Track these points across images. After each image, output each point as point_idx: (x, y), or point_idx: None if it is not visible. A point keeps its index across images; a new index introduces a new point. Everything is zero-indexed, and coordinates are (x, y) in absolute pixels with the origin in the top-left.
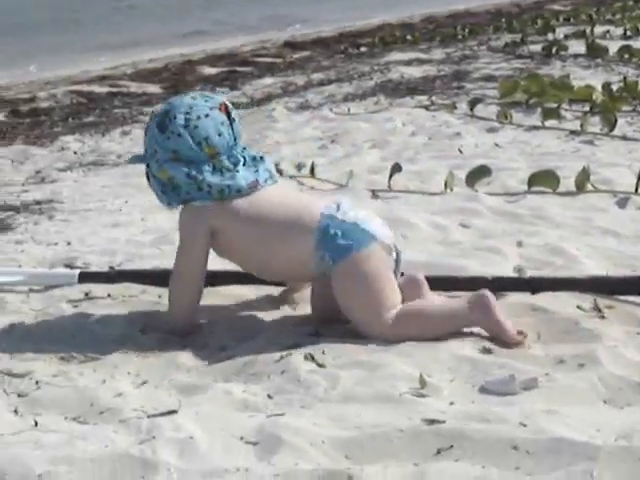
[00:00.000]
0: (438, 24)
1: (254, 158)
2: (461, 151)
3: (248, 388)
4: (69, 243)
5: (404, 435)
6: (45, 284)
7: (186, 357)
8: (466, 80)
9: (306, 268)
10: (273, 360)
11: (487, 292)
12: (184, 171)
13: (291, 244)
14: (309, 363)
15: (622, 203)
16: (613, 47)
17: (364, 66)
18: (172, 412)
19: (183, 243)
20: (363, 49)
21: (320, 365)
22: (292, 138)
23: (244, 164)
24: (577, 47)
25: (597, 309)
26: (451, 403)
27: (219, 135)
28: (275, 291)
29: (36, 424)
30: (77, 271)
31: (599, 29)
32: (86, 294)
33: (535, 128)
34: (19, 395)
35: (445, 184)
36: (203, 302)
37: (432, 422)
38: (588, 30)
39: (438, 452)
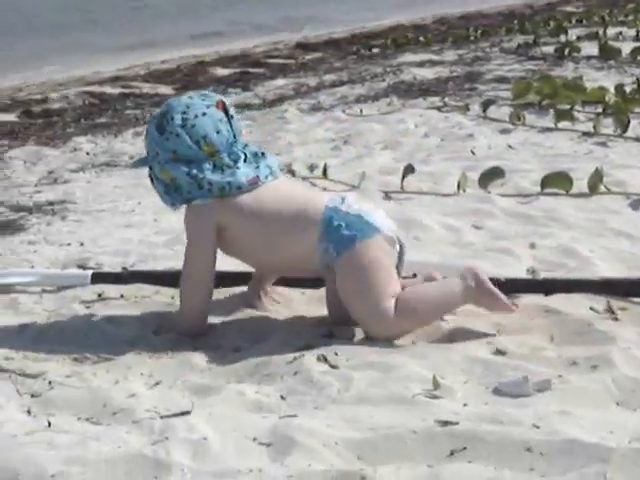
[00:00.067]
0: (450, 25)
1: (255, 154)
2: (474, 152)
3: (261, 389)
4: (82, 244)
5: (417, 436)
6: (58, 285)
7: (199, 358)
8: (479, 81)
9: (311, 261)
10: (286, 361)
11: (477, 266)
12: (184, 171)
13: (296, 237)
14: (322, 364)
15: (635, 205)
16: (626, 48)
17: (376, 67)
18: (185, 413)
19: (191, 243)
20: (375, 50)
21: (333, 366)
22: (304, 139)
23: (245, 160)
24: (590, 49)
25: (610, 311)
26: (464, 404)
27: (217, 133)
28: (289, 292)
29: (49, 424)
30: (90, 272)
31: (612, 31)
32: (99, 295)
33: (548, 130)
34: (32, 395)
35: (458, 185)
36: (216, 303)
37: (445, 423)
38: (601, 32)
39: (451, 453)
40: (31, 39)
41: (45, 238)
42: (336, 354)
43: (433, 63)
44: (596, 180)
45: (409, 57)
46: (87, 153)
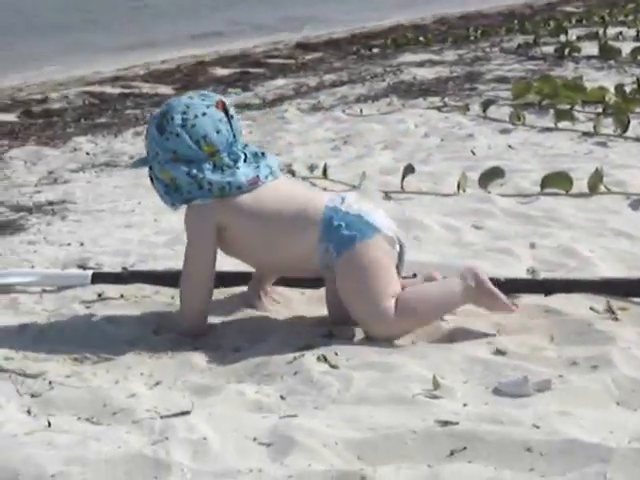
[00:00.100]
0: (450, 25)
1: (255, 154)
2: (474, 152)
3: (261, 389)
4: (82, 244)
5: (417, 436)
6: (58, 285)
7: (199, 358)
8: (479, 81)
9: (311, 261)
10: (286, 361)
11: (478, 266)
12: (184, 170)
13: (295, 237)
14: (322, 364)
15: (635, 205)
16: (626, 48)
17: (376, 67)
18: (185, 413)
19: (191, 243)
20: (375, 50)
21: (333, 366)
22: (304, 139)
23: (245, 160)
24: (590, 49)
25: (610, 311)
26: (464, 405)
27: (217, 132)
28: (289, 292)
29: (49, 424)
30: (90, 272)
31: (612, 31)
32: (99, 295)
33: (548, 130)
34: (32, 395)
35: (458, 185)
36: (216, 303)
37: (445, 423)
38: (601, 32)
39: (451, 453)
40: (31, 39)
41: (45, 238)
42: (336, 354)
43: (433, 63)
44: (596, 180)
45: (409, 57)
46: (87, 153)
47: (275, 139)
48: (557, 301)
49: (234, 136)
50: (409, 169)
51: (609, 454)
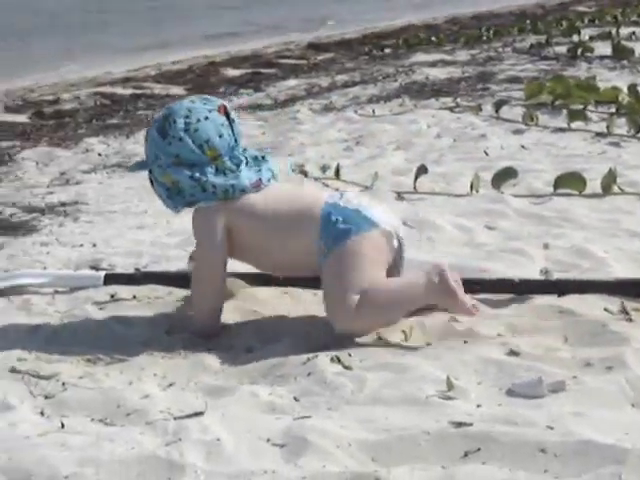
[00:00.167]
0: (462, 25)
1: (256, 158)
2: (487, 153)
3: (274, 390)
4: (94, 245)
5: (431, 438)
6: (70, 286)
7: (212, 359)
8: (491, 82)
9: (312, 259)
10: (299, 362)
11: (444, 262)
12: (187, 174)
13: (297, 235)
14: (335, 365)
15: None
16: (639, 48)
17: (388, 68)
18: (199, 414)
19: (201, 245)
20: (387, 51)
21: (347, 367)
22: (317, 140)
23: (246, 164)
24: (603, 49)
25: (625, 312)
26: (478, 406)
27: (220, 137)
28: (301, 293)
29: (63, 426)
30: (102, 273)
31: (625, 30)
32: (112, 296)
33: (561, 130)
34: (46, 397)
35: (471, 186)
36: (229, 303)
37: (459, 425)
38: (614, 31)
39: (465, 455)
40: (47, 40)
41: (57, 239)
42: (350, 355)
43: (445, 63)
44: (609, 180)
45: (421, 57)
46: (99, 154)
47: (287, 140)
48: (571, 302)
49: (235, 140)
50: (422, 170)
51: (624, 455)
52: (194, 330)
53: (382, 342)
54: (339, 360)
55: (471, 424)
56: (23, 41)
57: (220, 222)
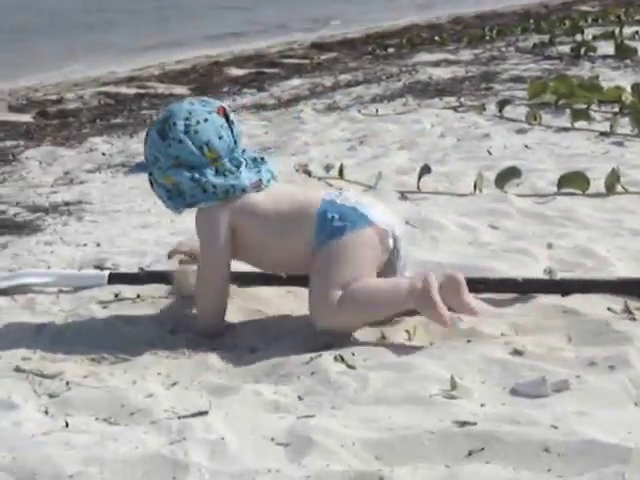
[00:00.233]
0: (466, 25)
1: (255, 159)
2: (490, 152)
3: (278, 389)
4: (98, 244)
5: (435, 437)
6: (75, 285)
7: (216, 358)
8: (495, 81)
9: (311, 256)
10: (303, 361)
11: (430, 274)
12: (187, 176)
13: (296, 233)
14: (339, 364)
15: None
16: None
17: (392, 67)
18: (203, 413)
19: (205, 245)
20: (390, 50)
21: (350, 366)
22: (320, 139)
23: (246, 166)
24: (606, 48)
25: (628, 311)
26: (482, 405)
27: (220, 138)
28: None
29: (67, 425)
30: (106, 272)
31: (628, 30)
32: (116, 295)
33: (564, 129)
34: (50, 396)
35: (474, 185)
36: (232, 303)
37: (463, 424)
38: (617, 31)
39: (469, 454)
40: (52, 39)
41: (61, 238)
42: (353, 354)
43: (449, 63)
44: (613, 180)
45: (424, 57)
46: (103, 154)
47: (291, 139)
48: (574, 301)
49: (235, 142)
50: (425, 169)
51: (627, 454)
52: (198, 330)
53: (386, 341)
54: (343, 359)
55: (475, 423)
56: (27, 41)
57: (224, 222)
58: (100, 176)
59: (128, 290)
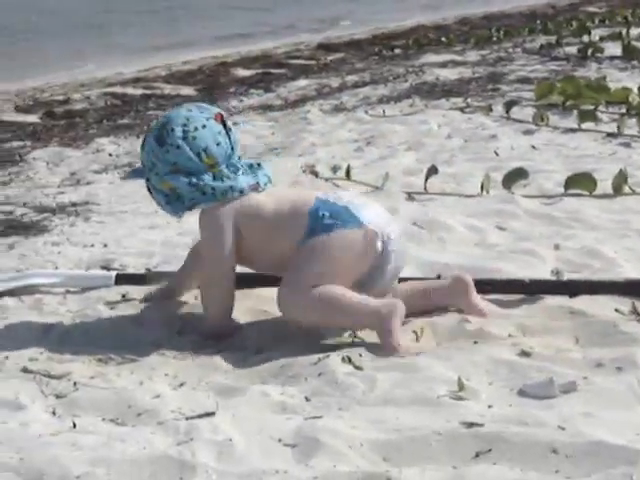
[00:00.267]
0: (472, 26)
1: (251, 166)
2: (497, 153)
3: (285, 390)
4: (105, 245)
5: (442, 438)
6: (82, 286)
7: (223, 359)
8: (501, 82)
9: None
10: (310, 362)
11: (402, 307)
12: (185, 181)
13: (289, 232)
14: (346, 365)
15: None
16: None
17: (398, 68)
18: (210, 414)
19: (210, 246)
20: (397, 51)
21: (357, 367)
22: (327, 140)
23: (243, 172)
24: (613, 49)
25: (636, 312)
26: (489, 406)
27: (217, 145)
28: None
29: (74, 425)
30: (114, 273)
31: (635, 31)
32: (123, 296)
33: (572, 130)
34: (57, 396)
35: (481, 186)
36: (239, 304)
37: (470, 425)
38: (624, 32)
39: (477, 455)
40: (53, 40)
41: (69, 239)
42: (360, 355)
43: (455, 64)
44: (620, 181)
45: (431, 58)
46: (110, 154)
47: (298, 140)
48: (582, 302)
49: (232, 148)
50: (432, 170)
51: (635, 456)
52: (205, 331)
53: None
54: (350, 360)
55: (482, 424)
56: (34, 41)
57: (227, 221)
58: (107, 177)
59: (135, 291)
